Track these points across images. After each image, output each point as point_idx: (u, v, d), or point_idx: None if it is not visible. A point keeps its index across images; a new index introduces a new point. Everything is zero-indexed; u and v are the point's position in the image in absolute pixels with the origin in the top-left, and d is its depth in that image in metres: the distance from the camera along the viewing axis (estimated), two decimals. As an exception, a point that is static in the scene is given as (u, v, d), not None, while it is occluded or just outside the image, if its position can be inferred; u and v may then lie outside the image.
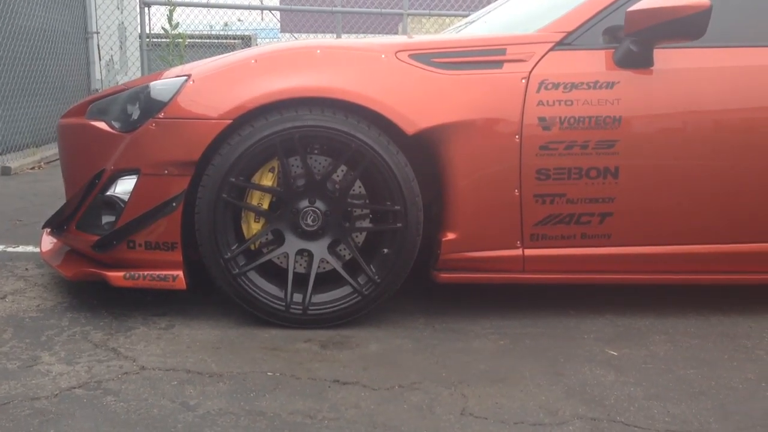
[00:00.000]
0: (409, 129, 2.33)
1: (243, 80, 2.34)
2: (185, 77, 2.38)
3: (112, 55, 8.89)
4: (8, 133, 6.29)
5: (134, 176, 2.35)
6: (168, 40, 7.77)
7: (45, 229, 2.84)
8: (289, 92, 2.30)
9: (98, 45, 8.33)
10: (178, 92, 2.34)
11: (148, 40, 8.29)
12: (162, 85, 2.39)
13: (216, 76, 2.38)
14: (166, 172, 2.32)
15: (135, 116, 2.39)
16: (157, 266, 2.38)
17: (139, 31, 8.42)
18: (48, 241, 2.85)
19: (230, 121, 2.29)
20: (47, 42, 7.14)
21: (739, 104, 2.44)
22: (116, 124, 2.43)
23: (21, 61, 6.56)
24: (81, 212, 2.50)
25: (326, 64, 2.38)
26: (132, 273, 2.39)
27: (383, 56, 2.39)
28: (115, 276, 2.39)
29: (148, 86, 2.41)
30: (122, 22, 9.69)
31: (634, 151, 2.39)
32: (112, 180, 2.40)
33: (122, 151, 2.37)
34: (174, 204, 2.33)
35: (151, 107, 2.36)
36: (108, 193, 2.41)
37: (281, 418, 1.82)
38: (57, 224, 2.63)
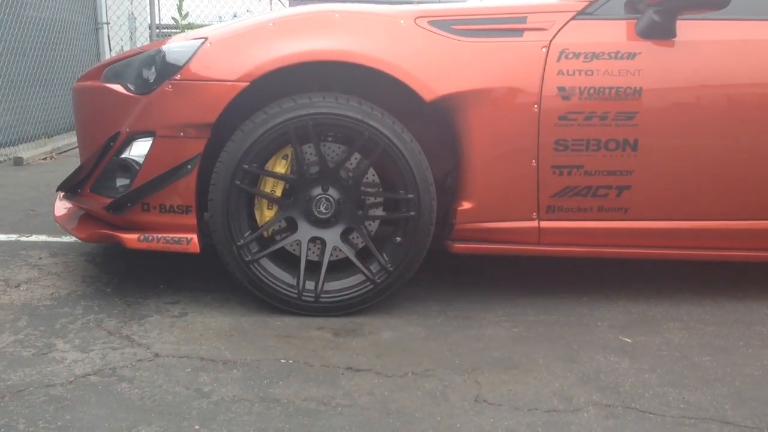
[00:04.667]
0: (427, 95, 2.31)
1: (260, 43, 2.33)
2: (202, 40, 2.37)
3: (122, 46, 8.89)
4: (20, 124, 6.32)
5: (149, 138, 2.35)
6: (178, 30, 7.77)
7: (59, 193, 2.85)
8: (307, 55, 2.29)
9: (108, 36, 8.33)
10: (194, 54, 2.33)
11: (158, 30, 8.29)
12: (178, 48, 2.38)
13: (233, 38, 2.37)
14: (181, 134, 2.31)
15: (151, 79, 2.39)
16: (171, 229, 2.38)
17: (149, 21, 8.42)
18: (62, 206, 2.86)
19: (247, 84, 2.28)
20: (58, 33, 7.15)
21: (763, 79, 2.40)
22: (132, 87, 2.43)
23: (32, 52, 6.58)
24: (95, 175, 2.50)
25: (344, 28, 2.36)
26: (146, 235, 2.39)
27: (402, 22, 2.37)
28: (129, 238, 2.39)
29: (164, 48, 2.40)
30: (132, 13, 9.68)
31: (654, 123, 2.36)
32: (127, 142, 2.40)
33: (138, 113, 2.37)
34: (189, 167, 2.33)
35: (168, 69, 2.35)
36: (123, 156, 2.41)
37: (295, 405, 1.82)
38: (71, 187, 2.62)
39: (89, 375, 1.95)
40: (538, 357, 2.14)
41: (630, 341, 2.26)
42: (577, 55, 2.34)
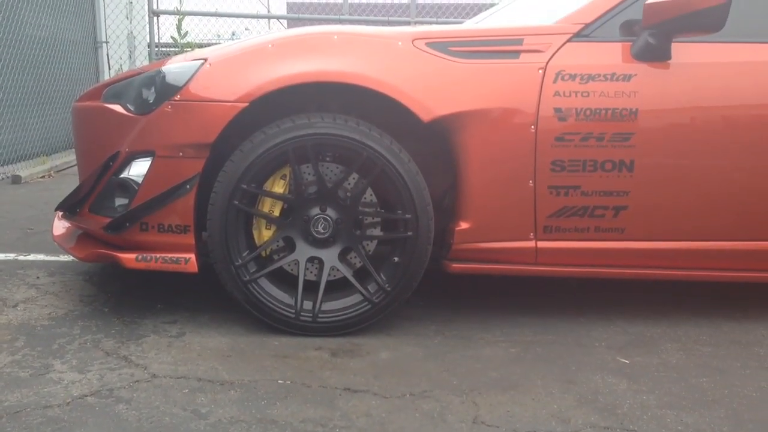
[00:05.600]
0: (425, 116, 2.33)
1: (259, 64, 2.35)
2: (202, 61, 2.39)
3: (121, 65, 8.92)
4: (18, 142, 6.32)
5: (149, 158, 2.36)
6: (177, 48, 7.81)
7: (57, 213, 2.85)
8: (306, 77, 2.31)
9: (108, 54, 8.37)
10: (194, 75, 2.35)
11: (156, 49, 8.34)
12: (178, 69, 2.40)
13: (232, 60, 2.39)
14: (180, 154, 2.32)
15: (151, 99, 2.40)
16: (169, 249, 2.39)
17: (148, 40, 8.47)
18: (60, 226, 2.87)
19: (246, 105, 2.29)
20: (57, 51, 7.18)
21: (757, 100, 2.42)
22: (132, 107, 2.44)
23: (31, 71, 6.60)
24: (94, 194, 2.51)
25: (343, 49, 2.38)
26: (144, 255, 2.39)
27: (400, 43, 2.39)
28: (127, 258, 2.40)
29: (164, 69, 2.42)
30: (131, 32, 9.74)
31: (649, 144, 2.38)
32: (127, 162, 2.41)
33: (137, 133, 2.38)
34: (188, 186, 2.34)
35: (167, 90, 2.36)
36: (122, 176, 2.42)
37: (292, 426, 1.81)
38: (69, 207, 2.63)
39: (87, 396, 1.94)
40: (536, 378, 2.13)
41: (628, 362, 2.26)
42: (573, 77, 2.36)
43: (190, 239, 2.38)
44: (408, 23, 9.36)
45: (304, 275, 2.40)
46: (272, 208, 2.41)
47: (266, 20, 10.67)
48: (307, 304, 2.39)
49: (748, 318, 2.67)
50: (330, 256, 2.42)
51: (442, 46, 2.39)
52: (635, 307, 2.76)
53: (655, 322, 2.61)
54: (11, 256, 3.33)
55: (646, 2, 2.36)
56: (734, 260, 2.53)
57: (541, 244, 2.45)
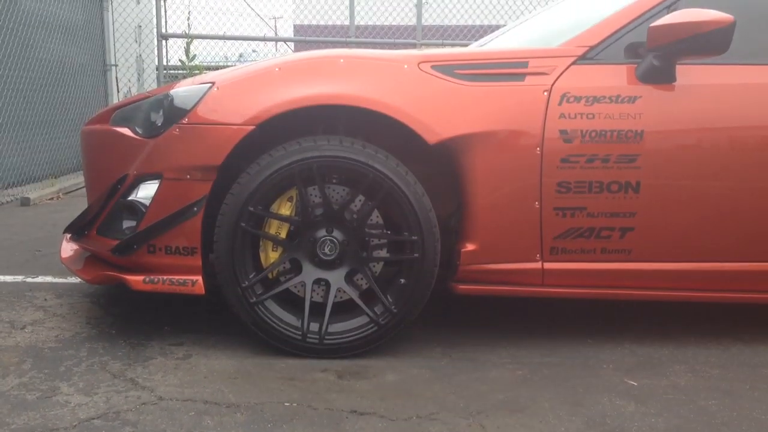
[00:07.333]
0: (431, 138, 2.34)
1: (266, 88, 2.37)
2: (209, 84, 2.41)
3: (130, 87, 9.01)
4: (27, 165, 6.37)
5: (156, 181, 2.38)
6: (185, 71, 7.87)
7: (65, 235, 2.87)
8: (312, 99, 2.33)
9: (116, 77, 8.46)
10: (202, 99, 2.37)
11: (165, 71, 8.41)
12: (186, 92, 2.42)
13: (240, 83, 2.41)
14: (188, 176, 2.34)
15: (159, 122, 2.42)
16: (176, 271, 2.39)
17: (157, 63, 8.55)
18: (68, 248, 2.88)
19: (253, 127, 2.31)
20: (66, 74, 7.26)
21: (762, 122, 2.43)
22: (140, 130, 2.46)
23: (40, 93, 6.67)
24: (102, 217, 2.52)
25: (349, 72, 2.40)
26: (151, 277, 2.40)
27: (406, 66, 2.41)
28: (135, 280, 2.41)
29: (172, 93, 2.45)
30: (140, 55, 9.84)
31: (655, 165, 2.38)
32: (134, 185, 2.43)
33: (145, 156, 2.40)
34: (195, 209, 2.35)
35: (175, 113, 2.38)
36: (130, 198, 2.44)
37: (299, 449, 1.81)
38: (77, 229, 2.64)
39: (93, 419, 1.94)
40: (544, 400, 2.12)
41: (636, 384, 2.25)
42: (578, 99, 2.37)
43: (197, 261, 2.39)
44: (414, 46, 9.41)
45: (311, 297, 2.41)
46: (279, 230, 2.42)
47: (273, 43, 10.75)
48: (314, 326, 2.39)
49: (757, 340, 2.66)
50: (336, 277, 2.42)
51: (447, 68, 2.41)
52: (643, 329, 2.74)
53: (662, 344, 2.60)
54: (19, 278, 3.34)
55: (651, 25, 2.38)
56: (741, 281, 2.52)
57: (548, 265, 2.45)
